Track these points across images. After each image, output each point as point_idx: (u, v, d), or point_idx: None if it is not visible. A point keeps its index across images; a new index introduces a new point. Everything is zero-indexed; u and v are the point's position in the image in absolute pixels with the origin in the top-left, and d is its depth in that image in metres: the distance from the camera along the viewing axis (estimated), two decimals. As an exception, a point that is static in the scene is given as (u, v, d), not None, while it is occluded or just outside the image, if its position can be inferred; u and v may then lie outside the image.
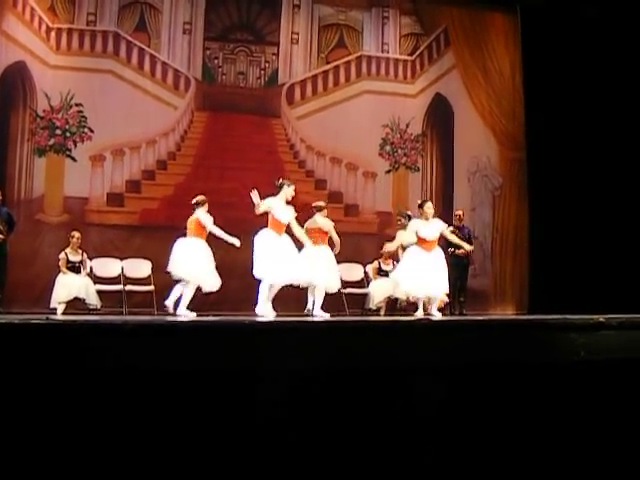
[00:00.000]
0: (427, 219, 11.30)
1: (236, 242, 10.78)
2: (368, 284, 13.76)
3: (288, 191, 10.60)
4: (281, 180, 10.80)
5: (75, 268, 12.20)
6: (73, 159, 13.81)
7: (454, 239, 12.03)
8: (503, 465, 5.30)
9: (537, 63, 15.44)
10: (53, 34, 13.87)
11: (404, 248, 11.81)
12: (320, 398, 5.11)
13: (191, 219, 10.98)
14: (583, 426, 5.58)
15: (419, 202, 11.82)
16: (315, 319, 10.25)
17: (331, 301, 13.07)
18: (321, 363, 5.23)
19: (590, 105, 14.40)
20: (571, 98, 14.61)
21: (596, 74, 14.45)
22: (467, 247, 12.36)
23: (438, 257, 11.30)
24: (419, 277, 11.11)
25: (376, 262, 13.76)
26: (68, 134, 13.82)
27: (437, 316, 11.22)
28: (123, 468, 4.69)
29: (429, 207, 11.40)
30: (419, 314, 11.25)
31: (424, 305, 11.52)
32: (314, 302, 10.96)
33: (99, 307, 12.20)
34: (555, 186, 14.76)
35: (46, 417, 4.65)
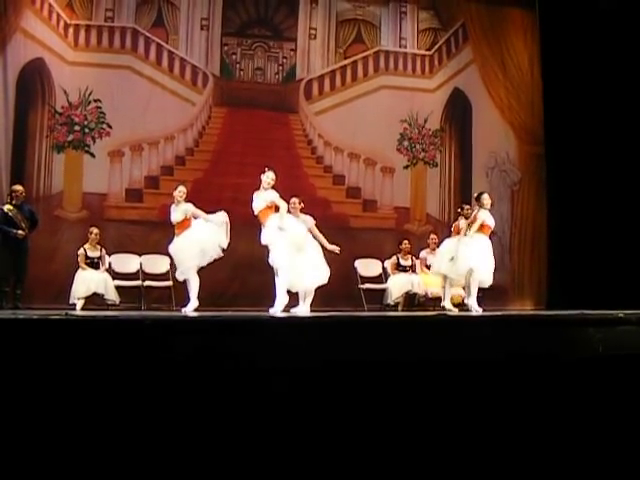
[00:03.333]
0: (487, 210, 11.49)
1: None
2: (386, 280, 13.75)
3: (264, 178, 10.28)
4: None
5: (94, 264, 12.22)
6: (92, 155, 13.84)
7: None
8: (518, 460, 5.29)
9: (555, 57, 15.37)
10: (71, 30, 13.90)
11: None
12: (332, 392, 5.12)
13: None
14: (602, 421, 5.57)
15: (475, 195, 12.09)
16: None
17: (349, 297, 13.11)
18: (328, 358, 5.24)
19: (609, 99, 14.33)
20: (590, 92, 14.54)
21: (615, 67, 14.37)
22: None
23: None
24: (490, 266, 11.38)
25: (394, 257, 13.75)
26: (87, 130, 13.85)
27: (454, 311, 11.23)
28: (136, 462, 4.71)
29: (486, 198, 11.57)
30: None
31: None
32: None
33: (118, 303, 12.22)
34: (574, 181, 14.70)
35: (65, 410, 4.67)
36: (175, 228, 10.63)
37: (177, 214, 10.62)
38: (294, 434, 4.99)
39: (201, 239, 10.50)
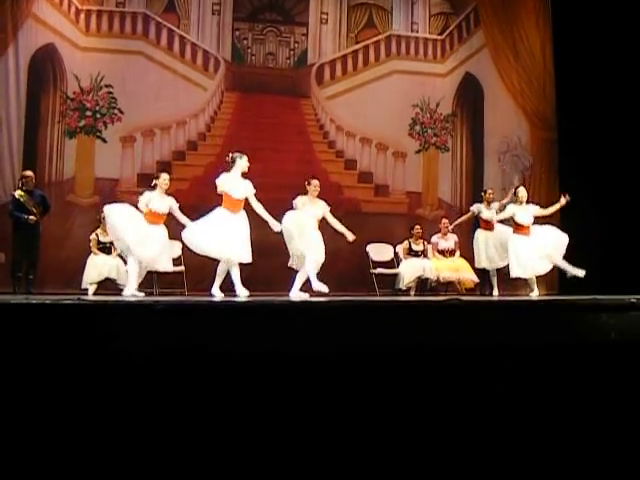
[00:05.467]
0: (521, 203, 11.55)
1: None
2: (398, 264, 13.75)
3: (242, 163, 10.29)
4: (231, 154, 10.44)
5: (106, 249, 12.23)
6: (103, 140, 13.88)
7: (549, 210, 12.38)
8: (530, 448, 5.29)
9: (568, 42, 15.31)
10: (82, 16, 13.93)
11: None
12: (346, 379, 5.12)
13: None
14: (614, 408, 5.56)
15: (513, 189, 12.34)
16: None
17: (361, 281, 13.12)
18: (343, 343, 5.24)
19: (621, 84, 14.27)
20: (602, 77, 14.48)
21: (628, 52, 14.30)
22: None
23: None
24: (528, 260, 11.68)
25: (406, 242, 13.74)
26: (98, 115, 13.89)
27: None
28: (148, 449, 4.72)
29: (521, 191, 11.84)
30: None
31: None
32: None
33: (130, 287, 12.25)
34: (586, 166, 14.65)
35: (77, 397, 4.68)
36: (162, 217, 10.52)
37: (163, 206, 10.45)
38: (305, 420, 5.00)
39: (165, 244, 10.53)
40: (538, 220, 11.99)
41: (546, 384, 5.48)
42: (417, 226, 13.79)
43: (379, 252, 13.93)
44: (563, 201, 12.16)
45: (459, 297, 10.88)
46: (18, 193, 11.62)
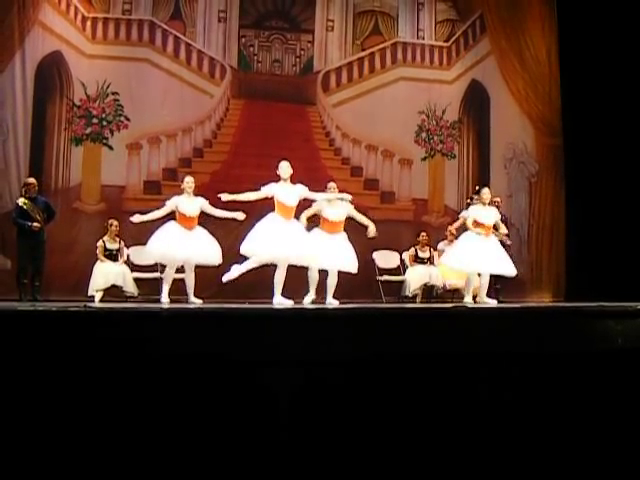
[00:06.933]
0: (484, 204, 11.39)
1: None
2: (404, 271, 13.75)
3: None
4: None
5: (112, 256, 12.26)
6: (110, 147, 13.90)
7: (502, 231, 12.06)
8: (534, 450, 5.29)
9: (573, 48, 15.33)
10: (89, 23, 13.95)
11: None
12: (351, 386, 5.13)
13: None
14: (621, 414, 5.56)
15: (477, 188, 11.99)
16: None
17: (367, 289, 13.11)
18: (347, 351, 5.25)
19: (627, 90, 14.27)
20: (608, 83, 14.48)
21: (633, 59, 14.30)
22: (506, 241, 12.28)
23: (495, 242, 11.41)
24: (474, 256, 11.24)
25: (412, 249, 13.74)
26: (105, 123, 13.91)
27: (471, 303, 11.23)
28: (152, 448, 4.73)
29: (486, 192, 11.49)
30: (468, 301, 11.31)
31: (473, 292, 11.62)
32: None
33: (136, 295, 12.25)
34: (592, 172, 14.65)
35: (83, 402, 4.69)
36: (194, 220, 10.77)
37: (194, 207, 10.80)
38: (316, 426, 5.01)
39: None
40: None
41: (554, 390, 5.48)
42: (423, 233, 13.78)
43: (385, 259, 13.93)
44: (506, 240, 12.08)
45: (465, 304, 10.88)
46: (21, 200, 11.65)
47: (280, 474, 4.94)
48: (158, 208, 10.92)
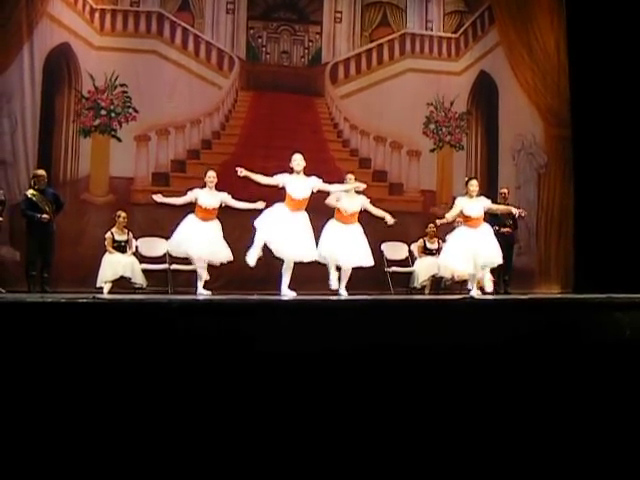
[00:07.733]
0: (471, 197, 11.20)
1: None
2: (413, 263, 13.76)
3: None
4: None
5: (121, 247, 12.28)
6: (118, 139, 13.92)
7: (500, 208, 11.96)
8: (545, 443, 5.28)
9: (582, 39, 15.28)
10: (97, 15, 13.96)
11: None
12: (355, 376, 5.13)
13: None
14: (629, 406, 5.55)
15: (465, 179, 11.85)
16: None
17: (376, 280, 13.10)
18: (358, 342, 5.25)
19: (635, 81, 14.23)
20: (616, 74, 14.45)
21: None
22: (514, 210, 11.99)
23: (486, 232, 11.22)
24: (466, 255, 11.06)
25: (421, 240, 13.76)
26: (113, 114, 13.92)
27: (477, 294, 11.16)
28: (160, 444, 4.74)
29: (473, 184, 11.31)
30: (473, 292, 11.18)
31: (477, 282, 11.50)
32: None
33: (145, 286, 12.28)
34: (600, 164, 14.62)
35: (92, 394, 4.70)
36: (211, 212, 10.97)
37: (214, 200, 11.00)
38: (318, 417, 5.01)
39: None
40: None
41: (562, 382, 5.48)
42: (431, 225, 13.75)
43: (393, 250, 13.93)
44: (515, 212, 11.82)
45: (472, 296, 10.87)
46: (30, 192, 11.68)
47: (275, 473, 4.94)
48: (179, 196, 11.12)
